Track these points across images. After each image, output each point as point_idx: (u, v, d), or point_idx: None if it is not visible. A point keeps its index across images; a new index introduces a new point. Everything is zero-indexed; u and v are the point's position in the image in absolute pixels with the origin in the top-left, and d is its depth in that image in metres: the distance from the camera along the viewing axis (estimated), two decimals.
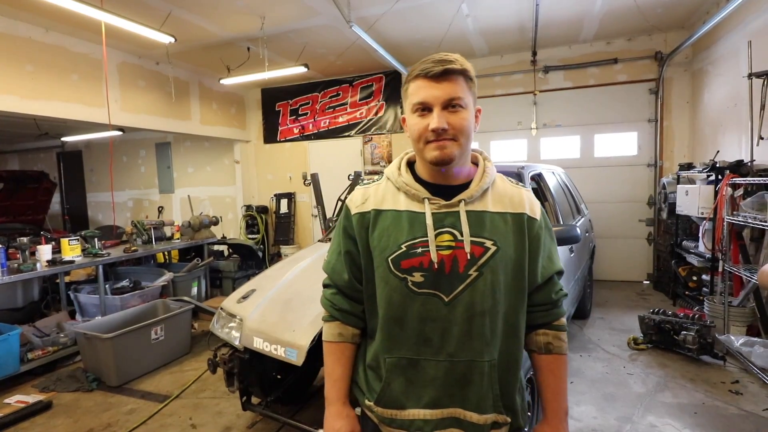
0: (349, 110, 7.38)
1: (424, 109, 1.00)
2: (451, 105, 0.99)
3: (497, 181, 1.11)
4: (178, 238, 5.38)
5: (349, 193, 5.45)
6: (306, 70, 5.74)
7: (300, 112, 7.74)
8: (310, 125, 7.68)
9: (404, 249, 1.03)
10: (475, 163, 1.13)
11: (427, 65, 0.99)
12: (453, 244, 1.02)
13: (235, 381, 2.42)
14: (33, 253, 3.95)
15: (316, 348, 2.11)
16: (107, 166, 9.63)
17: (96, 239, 4.44)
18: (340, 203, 5.48)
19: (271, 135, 8.01)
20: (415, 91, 1.01)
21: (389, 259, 1.04)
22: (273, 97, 7.90)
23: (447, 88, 0.98)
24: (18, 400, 3.27)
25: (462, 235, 1.02)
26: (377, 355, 1.09)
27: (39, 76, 4.66)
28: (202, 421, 2.93)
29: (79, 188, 10.17)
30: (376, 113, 7.19)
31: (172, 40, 4.52)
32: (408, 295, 1.03)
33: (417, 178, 1.10)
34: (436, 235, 1.02)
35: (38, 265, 3.80)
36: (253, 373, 2.43)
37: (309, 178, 7.57)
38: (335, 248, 1.18)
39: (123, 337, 3.45)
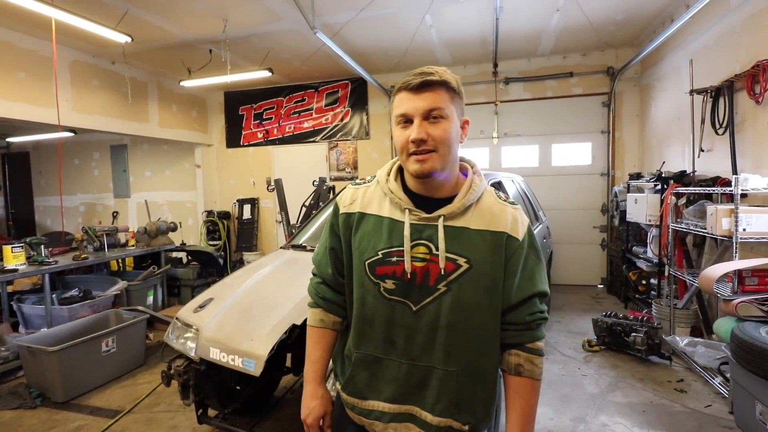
0: (314, 116, 7.34)
1: (407, 120, 1.03)
2: (431, 116, 1.01)
3: (485, 196, 1.11)
4: (133, 245, 5.15)
5: (313, 199, 5.42)
6: (270, 74, 5.67)
7: (264, 117, 7.63)
8: (275, 130, 7.58)
9: (380, 256, 1.07)
10: (466, 173, 1.14)
11: (408, 78, 1.02)
12: (428, 257, 1.05)
13: (190, 393, 2.34)
14: None
15: (275, 358, 2.07)
16: (57, 168, 9.11)
17: (42, 246, 4.20)
18: (304, 209, 5.43)
19: (234, 139, 7.85)
20: (398, 104, 1.04)
21: (366, 262, 1.09)
22: (236, 101, 7.75)
23: (426, 99, 1.00)
24: None
25: (437, 249, 1.04)
26: (349, 348, 1.16)
27: None
28: None
29: (25, 192, 9.56)
30: (342, 119, 7.19)
31: (129, 39, 4.36)
32: (379, 300, 1.08)
33: (405, 186, 1.13)
34: (413, 247, 1.05)
35: None
36: (209, 384, 2.36)
37: (273, 183, 7.49)
38: (323, 243, 1.25)
39: (70, 349, 3.26)
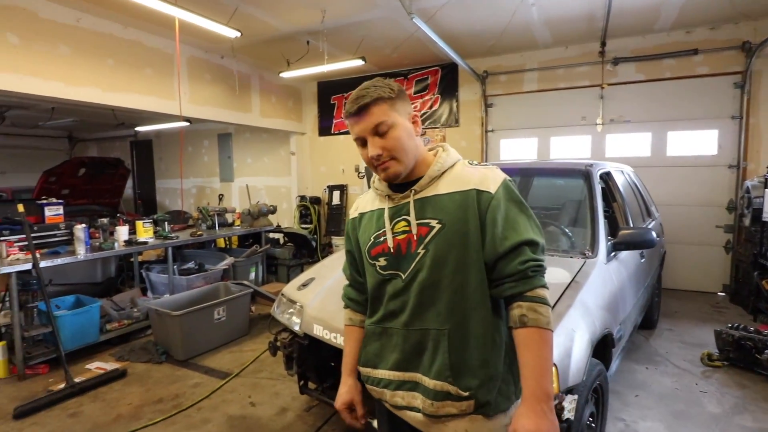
0: None
1: (363, 142, 1.16)
2: (378, 132, 1.12)
3: (457, 166, 1.20)
4: (238, 225, 5.62)
5: None
6: (363, 63, 5.77)
7: None
8: None
9: (373, 240, 1.23)
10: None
11: (348, 106, 1.15)
12: (407, 228, 1.17)
13: (294, 365, 2.50)
14: (112, 234, 4.28)
15: None
16: (174, 154, 10.25)
17: (166, 223, 4.74)
18: None
19: (325, 127, 8.16)
20: (351, 130, 1.17)
21: (366, 250, 1.25)
22: (328, 90, 8.03)
23: (368, 119, 1.12)
24: (97, 366, 3.58)
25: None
26: (366, 326, 1.31)
27: (118, 70, 5.01)
28: (260, 400, 3.05)
29: (149, 175, 10.92)
30: (431, 107, 7.11)
31: (238, 34, 4.69)
32: (377, 277, 1.23)
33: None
34: (396, 224, 1.19)
35: (116, 244, 4.11)
36: (311, 358, 2.50)
37: (363, 170, 7.69)
38: (345, 249, 1.42)
39: (189, 315, 3.67)
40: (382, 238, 1.20)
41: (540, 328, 1.06)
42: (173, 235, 4.69)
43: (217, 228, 5.33)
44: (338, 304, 2.35)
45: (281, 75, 6.35)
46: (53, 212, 4.25)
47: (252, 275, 5.39)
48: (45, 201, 4.28)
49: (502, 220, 1.11)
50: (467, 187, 1.14)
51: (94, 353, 3.83)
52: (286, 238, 6.39)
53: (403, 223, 1.18)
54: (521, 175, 3.43)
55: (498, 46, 6.06)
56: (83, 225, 3.87)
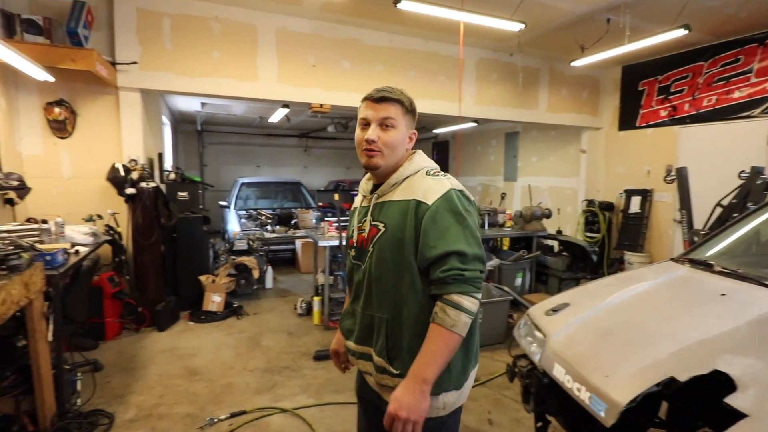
0: (753, 80, 5.26)
1: (365, 124, 1.31)
2: (384, 123, 1.29)
3: (416, 176, 1.31)
4: (509, 227, 5.45)
5: (736, 197, 3.91)
6: (686, 32, 4.43)
7: (672, 90, 6.18)
8: (686, 105, 6.01)
9: (352, 232, 1.44)
10: None
11: (372, 92, 1.31)
12: (368, 227, 1.36)
13: (531, 400, 2.14)
14: None
15: (638, 409, 1.53)
16: (466, 153, 11.01)
17: None
18: (719, 209, 4.02)
19: (628, 120, 6.83)
20: (362, 111, 1.32)
21: (347, 239, 1.49)
22: (636, 75, 6.66)
23: (383, 110, 1.28)
24: None
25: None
26: None
27: (417, 79, 5.69)
28: (499, 421, 2.82)
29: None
30: None
31: (522, 26, 4.43)
32: (351, 265, 1.44)
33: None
34: (363, 221, 1.38)
35: None
36: (554, 400, 2.07)
37: (674, 172, 6.03)
38: None
39: None
40: (356, 232, 1.41)
41: (441, 327, 1.17)
42: None
43: (486, 227, 5.33)
44: (592, 344, 1.84)
45: (573, 64, 5.70)
46: None
47: (518, 281, 5.13)
48: (355, 191, 5.36)
49: (433, 230, 1.21)
50: (411, 197, 1.26)
51: None
52: (561, 247, 5.76)
53: (367, 221, 1.35)
54: None
55: None
56: None
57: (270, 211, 7.64)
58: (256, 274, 5.36)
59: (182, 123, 10.73)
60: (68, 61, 3.63)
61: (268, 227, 7.00)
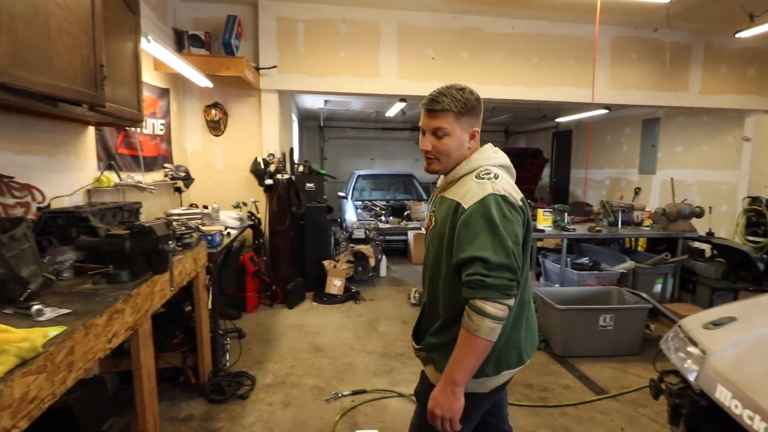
0: None
1: (423, 132, 1.40)
2: (437, 134, 1.36)
3: (468, 177, 1.35)
4: (647, 226, 4.84)
5: None
6: None
7: None
8: None
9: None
10: None
11: (425, 100, 1.38)
12: None
13: (681, 423, 1.88)
14: None
15: None
16: (591, 144, 10.02)
17: (565, 213, 4.72)
18: None
19: None
20: (421, 118, 1.41)
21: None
22: None
23: (433, 120, 1.36)
24: None
25: None
26: None
27: (541, 66, 5.32)
28: None
29: (565, 165, 11.27)
30: None
31: None
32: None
33: None
34: (431, 211, 1.50)
35: None
36: (709, 426, 1.80)
37: None
38: None
39: (572, 312, 3.53)
40: (426, 220, 1.53)
41: (466, 331, 1.23)
42: (571, 227, 4.61)
43: (619, 226, 4.80)
44: None
45: (738, 36, 4.79)
46: None
47: (657, 287, 4.53)
48: None
49: (465, 233, 1.26)
50: (456, 198, 1.32)
51: None
52: (714, 251, 4.93)
53: (430, 212, 1.49)
54: None
55: None
56: None
57: (384, 203, 7.92)
58: (372, 262, 5.61)
59: (307, 119, 11.64)
60: (224, 68, 4.18)
61: (382, 218, 7.26)
